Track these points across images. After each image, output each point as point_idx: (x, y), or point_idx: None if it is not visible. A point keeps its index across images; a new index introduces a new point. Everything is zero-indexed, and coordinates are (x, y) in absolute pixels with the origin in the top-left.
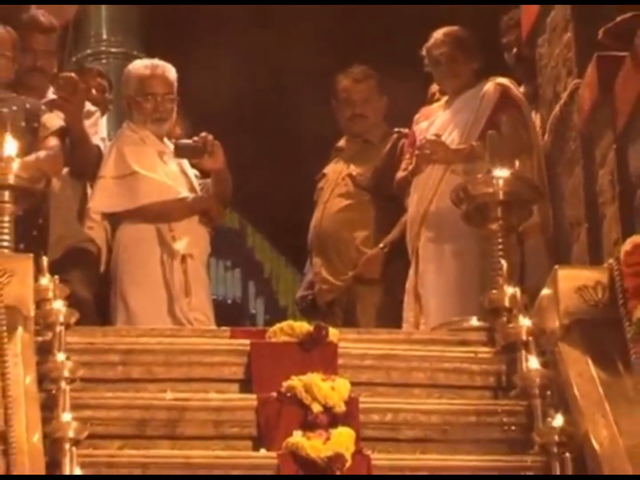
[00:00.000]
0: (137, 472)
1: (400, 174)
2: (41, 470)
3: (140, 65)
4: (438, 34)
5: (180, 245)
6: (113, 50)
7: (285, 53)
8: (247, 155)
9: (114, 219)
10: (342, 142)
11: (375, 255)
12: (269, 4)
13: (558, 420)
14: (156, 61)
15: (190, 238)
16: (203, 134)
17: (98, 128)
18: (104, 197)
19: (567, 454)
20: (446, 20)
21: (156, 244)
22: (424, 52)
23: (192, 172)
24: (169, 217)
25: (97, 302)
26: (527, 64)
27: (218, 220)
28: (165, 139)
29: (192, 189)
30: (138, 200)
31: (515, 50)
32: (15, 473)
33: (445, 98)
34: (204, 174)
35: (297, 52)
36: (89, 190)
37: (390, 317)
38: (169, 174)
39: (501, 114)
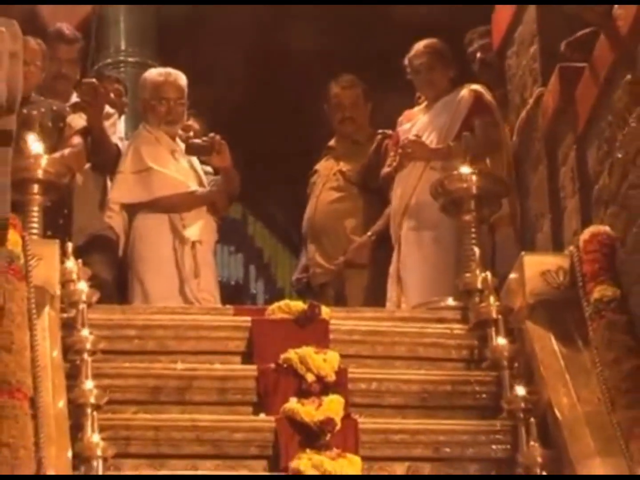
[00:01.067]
0: (150, 434)
1: (385, 170)
2: (66, 433)
3: (155, 73)
4: (418, 45)
5: (190, 233)
6: (130, 59)
7: (287, 58)
8: (249, 154)
9: (131, 210)
10: (332, 142)
11: (363, 242)
12: (270, 4)
13: (521, 390)
14: (169, 69)
15: (199, 226)
16: (211, 134)
17: (116, 128)
18: (122, 189)
19: (532, 419)
20: (426, 33)
21: (169, 231)
22: (406, 61)
23: (201, 168)
24: (180, 208)
25: (116, 283)
26: (490, 69)
27: (224, 212)
28: (177, 139)
29: (200, 183)
30: (153, 193)
31: (479, 55)
32: (42, 435)
33: (424, 103)
34: (216, 171)
35: (298, 59)
36: (108, 184)
37: (376, 297)
38: (180, 170)
39: (475, 117)
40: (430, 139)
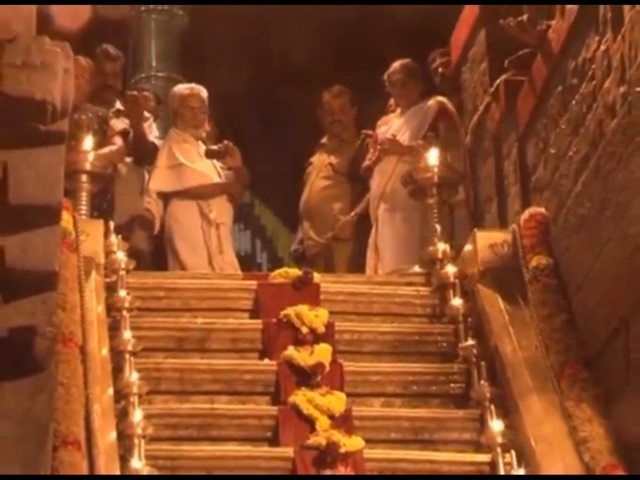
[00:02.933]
0: (176, 375)
1: (366, 163)
2: (109, 374)
3: (182, 87)
4: (395, 64)
5: (214, 216)
6: (159, 74)
7: (285, 66)
8: (256, 148)
9: (166, 197)
10: (324, 140)
11: (347, 221)
12: (269, 3)
13: (473, 341)
14: (193, 85)
15: (221, 211)
16: (225, 142)
17: (152, 129)
18: (159, 181)
19: (482, 363)
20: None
21: (197, 215)
22: (385, 77)
23: (219, 165)
24: (206, 196)
25: (153, 255)
26: (449, 82)
27: (239, 199)
28: (200, 142)
29: (220, 176)
30: (184, 184)
31: (440, 71)
32: (90, 376)
33: (399, 110)
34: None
35: (296, 65)
36: (145, 175)
37: (357, 265)
38: (204, 166)
39: (439, 122)
40: (403, 139)
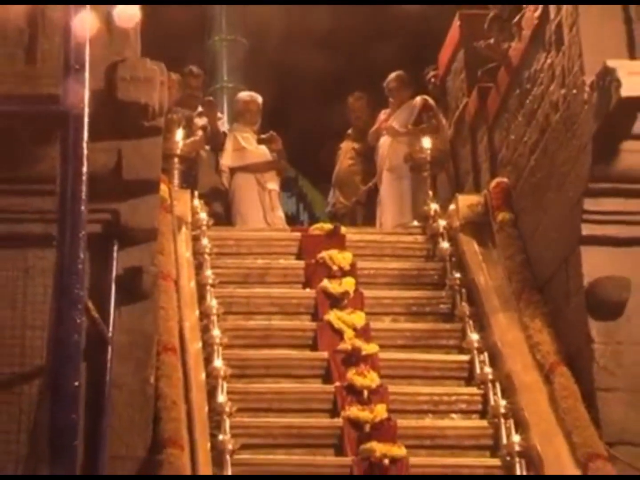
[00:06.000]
0: (243, 301)
1: (373, 128)
2: (195, 300)
3: (245, 94)
4: (391, 75)
5: (267, 185)
6: (229, 85)
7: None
8: (300, 140)
9: (233, 172)
10: (350, 131)
11: (365, 190)
12: (270, 4)
13: (456, 274)
14: (252, 93)
15: (272, 180)
16: (271, 132)
17: (224, 125)
18: (227, 159)
19: (463, 290)
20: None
21: (255, 184)
22: (384, 84)
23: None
24: (261, 170)
25: (225, 215)
26: (438, 88)
27: (284, 173)
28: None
29: (270, 156)
30: (245, 161)
31: (432, 80)
32: (182, 302)
33: (395, 106)
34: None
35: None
36: (219, 158)
37: (372, 222)
38: (259, 149)
39: (423, 112)
40: (397, 125)
